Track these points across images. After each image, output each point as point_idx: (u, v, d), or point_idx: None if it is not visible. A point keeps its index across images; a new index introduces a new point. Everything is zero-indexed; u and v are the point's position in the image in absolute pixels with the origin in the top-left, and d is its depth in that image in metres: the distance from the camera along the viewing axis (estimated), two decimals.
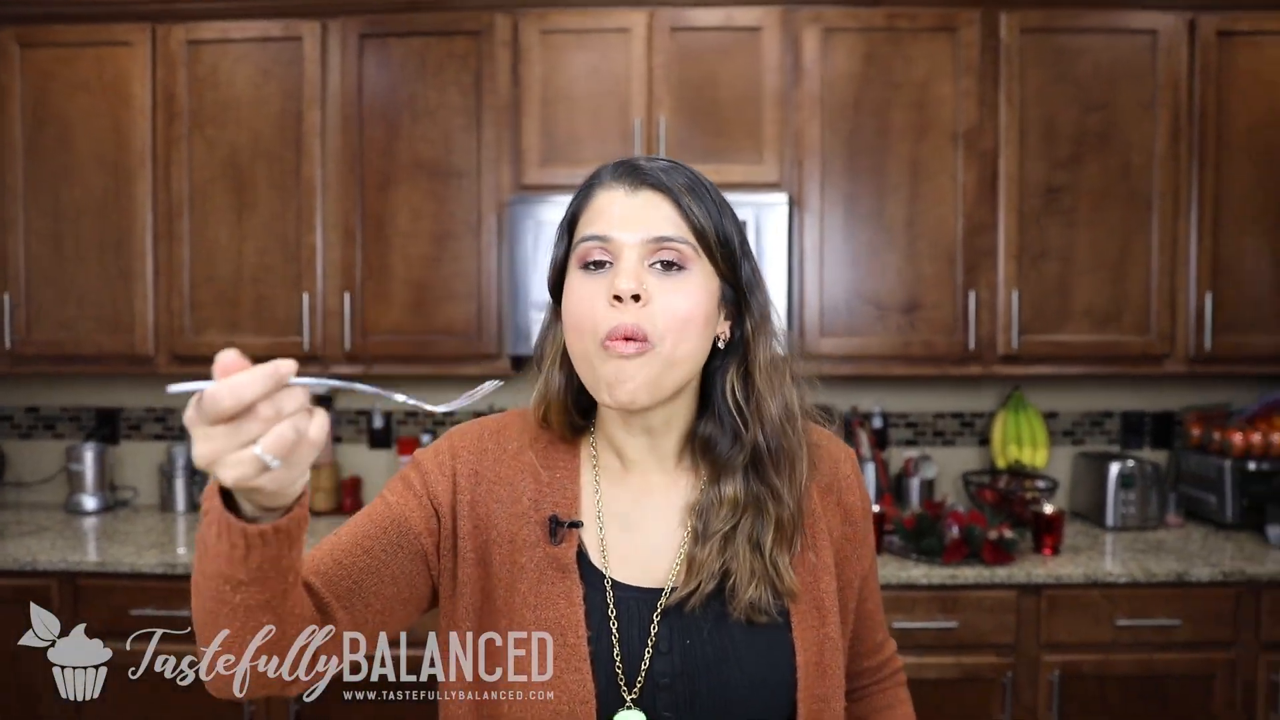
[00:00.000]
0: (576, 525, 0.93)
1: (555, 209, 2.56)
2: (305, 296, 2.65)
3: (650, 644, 0.91)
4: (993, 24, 2.62)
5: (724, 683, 0.90)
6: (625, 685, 0.90)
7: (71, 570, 2.37)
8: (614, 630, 0.91)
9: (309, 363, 2.68)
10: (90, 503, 2.89)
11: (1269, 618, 2.32)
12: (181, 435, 3.07)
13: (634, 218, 0.89)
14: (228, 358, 0.60)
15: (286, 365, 0.61)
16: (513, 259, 2.60)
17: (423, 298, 2.66)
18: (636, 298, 0.86)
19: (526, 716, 0.89)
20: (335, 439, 3.02)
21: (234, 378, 0.60)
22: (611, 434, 0.98)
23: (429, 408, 0.73)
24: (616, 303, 0.87)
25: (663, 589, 0.93)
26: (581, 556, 0.93)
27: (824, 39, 2.62)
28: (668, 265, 0.89)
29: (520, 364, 2.69)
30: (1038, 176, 2.63)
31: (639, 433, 0.96)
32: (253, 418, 0.60)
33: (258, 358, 0.59)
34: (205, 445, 0.61)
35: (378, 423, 3.02)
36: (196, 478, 2.92)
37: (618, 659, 0.90)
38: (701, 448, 0.96)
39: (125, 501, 3.02)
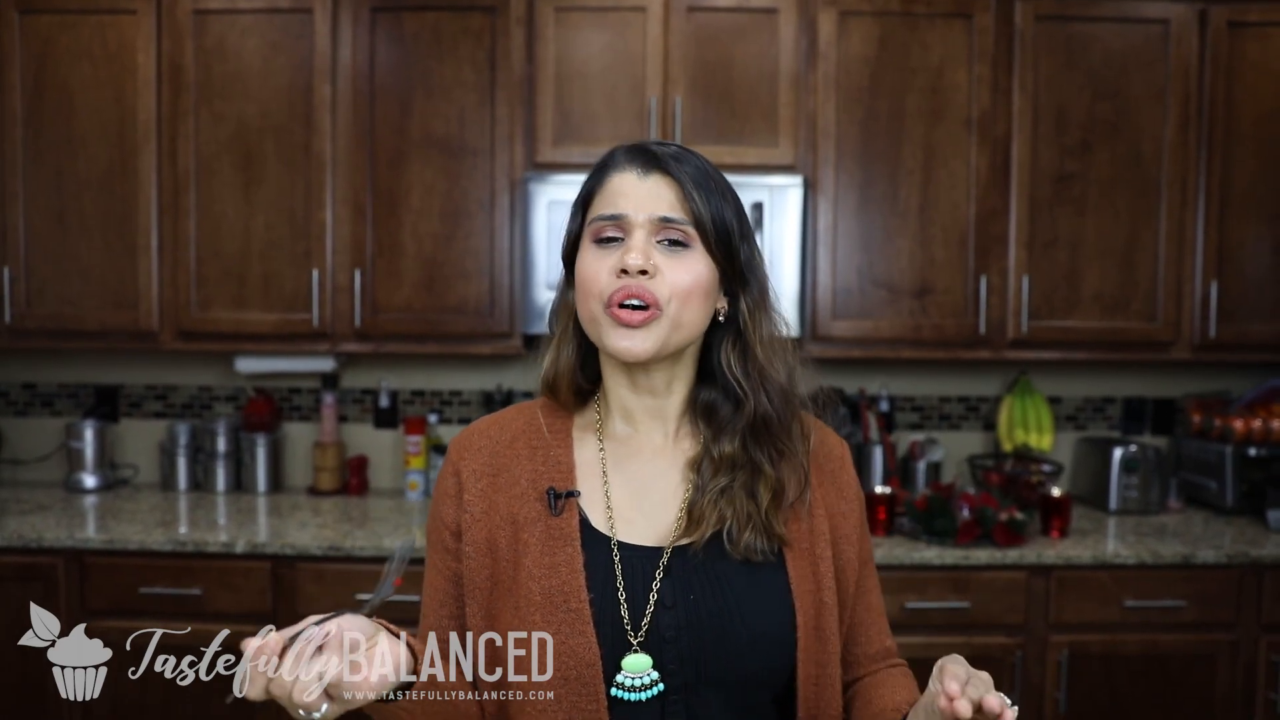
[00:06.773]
0: (573, 495, 0.98)
1: (569, 188, 2.54)
2: (315, 273, 2.62)
3: (653, 598, 0.94)
4: (1008, 10, 2.63)
5: (728, 636, 0.93)
6: (632, 641, 0.93)
7: (78, 548, 2.33)
8: (620, 590, 0.94)
9: (319, 339, 2.65)
10: (90, 480, 2.85)
11: (1270, 600, 2.37)
12: (183, 414, 3.03)
13: (644, 199, 0.96)
14: (254, 644, 0.77)
15: (273, 641, 0.77)
16: (526, 237, 2.58)
17: (434, 275, 2.64)
18: (644, 272, 0.94)
19: (533, 711, 0.92)
20: (341, 418, 2.99)
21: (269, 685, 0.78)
22: (617, 396, 1.03)
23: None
24: (624, 275, 0.94)
25: (665, 547, 0.97)
26: (585, 523, 0.97)
27: (840, 22, 2.62)
28: (673, 243, 0.96)
29: (532, 343, 2.67)
30: (1049, 163, 2.65)
31: (644, 393, 1.01)
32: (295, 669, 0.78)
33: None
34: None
35: (384, 402, 2.99)
36: (199, 456, 2.88)
37: (625, 617, 0.93)
38: (703, 412, 1.02)
39: (125, 480, 2.98)
